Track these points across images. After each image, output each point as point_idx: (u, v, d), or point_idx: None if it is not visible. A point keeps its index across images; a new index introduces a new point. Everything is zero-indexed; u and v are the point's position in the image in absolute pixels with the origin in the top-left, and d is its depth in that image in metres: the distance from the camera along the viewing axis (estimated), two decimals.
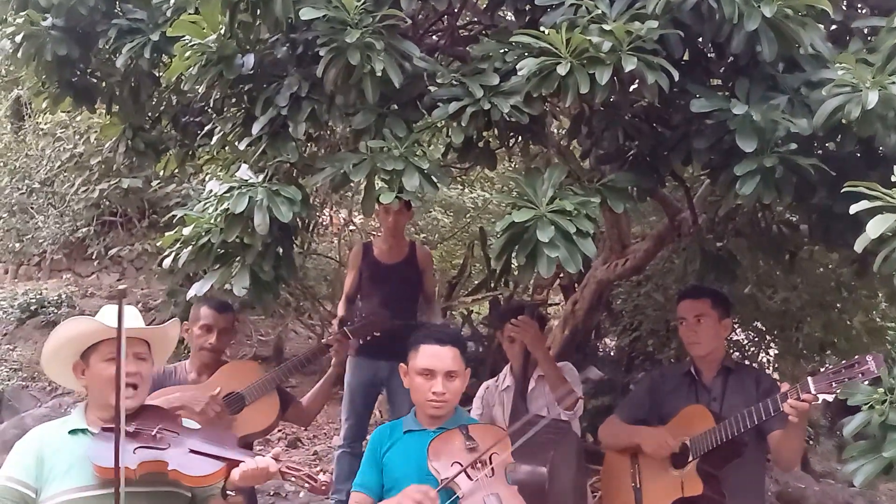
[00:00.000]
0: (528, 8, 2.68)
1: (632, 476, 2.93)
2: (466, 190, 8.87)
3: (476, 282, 7.60)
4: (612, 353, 7.09)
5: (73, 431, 2.13)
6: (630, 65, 2.25)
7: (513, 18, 2.89)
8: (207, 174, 5.44)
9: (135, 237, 9.03)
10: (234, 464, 2.07)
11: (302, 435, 6.17)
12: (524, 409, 3.21)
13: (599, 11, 2.40)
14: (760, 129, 2.37)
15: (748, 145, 2.36)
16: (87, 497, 2.02)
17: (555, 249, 2.34)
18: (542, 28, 2.41)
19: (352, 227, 8.97)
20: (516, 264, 2.46)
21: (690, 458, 2.75)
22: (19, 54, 3.56)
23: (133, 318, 2.16)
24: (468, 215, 8.84)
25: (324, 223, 8.79)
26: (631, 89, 2.58)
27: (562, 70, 2.31)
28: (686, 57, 2.64)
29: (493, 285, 6.89)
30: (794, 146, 2.37)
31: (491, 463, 2.35)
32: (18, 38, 3.50)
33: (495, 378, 3.63)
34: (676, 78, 2.33)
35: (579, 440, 3.23)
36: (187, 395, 3.01)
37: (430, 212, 8.86)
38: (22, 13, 3.53)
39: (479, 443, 2.38)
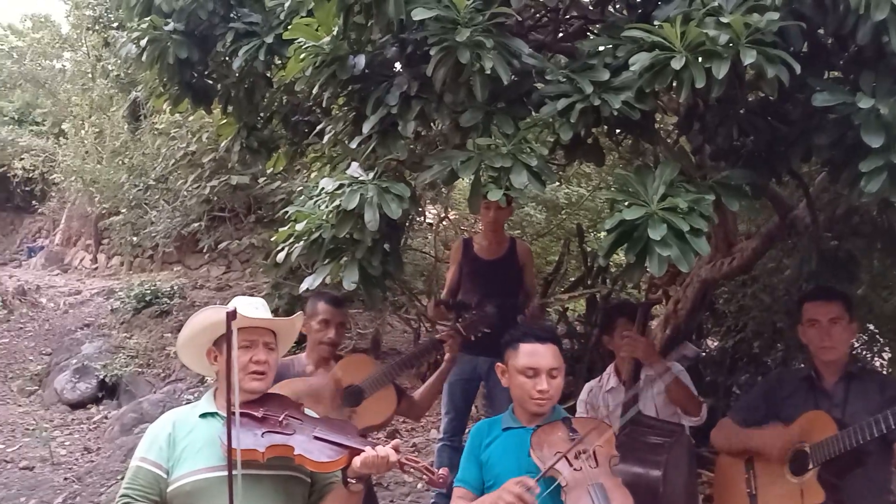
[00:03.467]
0: (639, 1, 2.62)
1: (747, 482, 2.82)
2: (561, 185, 8.77)
3: (572, 279, 7.53)
4: (714, 354, 6.89)
5: (203, 415, 2.24)
6: (749, 58, 2.18)
7: (622, 13, 2.83)
8: (313, 172, 5.60)
9: (241, 231, 9.39)
10: (355, 452, 2.12)
11: (400, 427, 6.27)
12: (635, 410, 3.15)
13: (716, 4, 2.33)
14: (888, 124, 2.25)
15: (875, 140, 2.24)
16: (218, 477, 2.11)
17: (667, 248, 2.29)
18: (654, 22, 2.36)
19: (446, 223, 9.03)
20: (625, 262, 2.42)
21: (811, 466, 2.64)
22: (143, 58, 3.76)
23: (262, 310, 2.28)
24: (563, 211, 8.74)
25: (419, 219, 8.90)
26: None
27: (676, 64, 2.25)
28: (805, 49, 2.53)
29: (590, 282, 6.81)
30: None
31: (595, 455, 2.33)
32: (143, 43, 3.70)
33: (598, 379, 3.59)
34: (798, 71, 2.24)
35: (692, 444, 3.15)
36: (315, 385, 3.10)
37: (523, 207, 8.82)
38: (146, 18, 3.74)
39: (583, 435, 2.37)
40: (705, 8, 2.33)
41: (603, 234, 2.64)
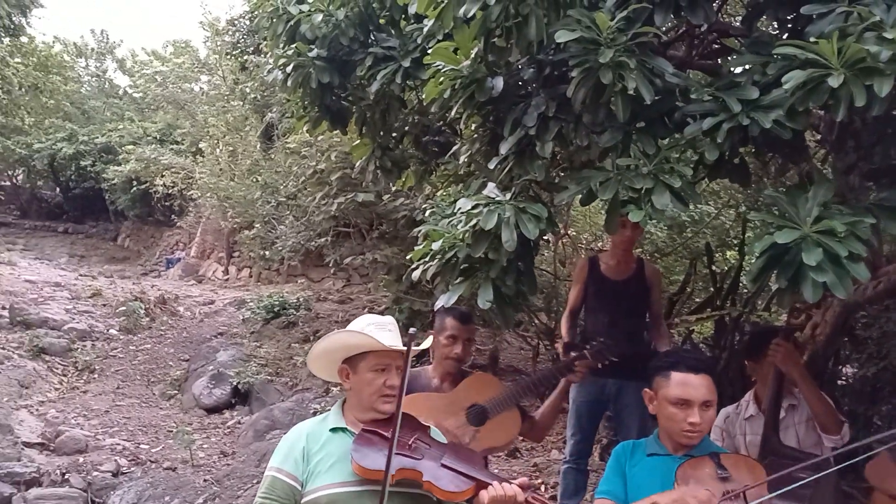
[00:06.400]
0: (790, 17, 2.53)
1: None
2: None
3: (697, 299, 7.28)
4: (853, 383, 6.47)
5: (333, 429, 2.29)
6: None
7: (771, 29, 2.74)
8: (439, 190, 5.71)
9: (364, 247, 9.67)
10: (482, 485, 2.11)
11: (520, 445, 6.25)
12: (775, 440, 3.01)
13: (876, 18, 2.22)
14: None
15: None
16: (348, 492, 2.16)
17: (822, 274, 2.18)
18: (809, 38, 2.27)
19: (565, 240, 8.96)
20: (776, 287, 2.33)
21: None
22: (288, 83, 3.97)
23: (394, 331, 2.32)
24: (688, 230, 8.48)
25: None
26: None
27: (834, 82, 2.16)
28: None
29: (718, 304, 6.56)
30: None
31: (745, 497, 2.23)
32: (288, 69, 3.91)
33: (735, 405, 3.45)
34: None
35: (837, 479, 2.97)
36: (442, 402, 3.14)
37: (646, 226, 8.61)
38: (291, 45, 3.95)
39: (733, 474, 2.27)
40: (864, 23, 2.22)
41: (752, 257, 2.53)
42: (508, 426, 3.21)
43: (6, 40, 14.52)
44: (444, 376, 3.31)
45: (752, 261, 2.53)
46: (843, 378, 6.52)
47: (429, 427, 2.38)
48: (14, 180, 25.97)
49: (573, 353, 3.22)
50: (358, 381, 2.28)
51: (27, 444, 6.96)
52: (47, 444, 7.11)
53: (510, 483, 2.09)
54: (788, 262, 2.27)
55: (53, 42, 23.59)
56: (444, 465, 2.16)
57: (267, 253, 10.70)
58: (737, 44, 3.29)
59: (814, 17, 2.40)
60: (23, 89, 13.54)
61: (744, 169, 2.71)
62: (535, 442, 4.18)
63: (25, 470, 6.19)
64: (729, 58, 2.96)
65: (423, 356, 4.29)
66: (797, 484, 2.26)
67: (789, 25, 2.56)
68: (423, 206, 7.22)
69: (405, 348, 2.27)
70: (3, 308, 10.91)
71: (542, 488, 2.19)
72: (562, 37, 2.48)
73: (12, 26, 14.32)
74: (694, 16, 2.58)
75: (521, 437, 4.50)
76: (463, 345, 3.26)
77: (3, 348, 9.38)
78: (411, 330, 2.13)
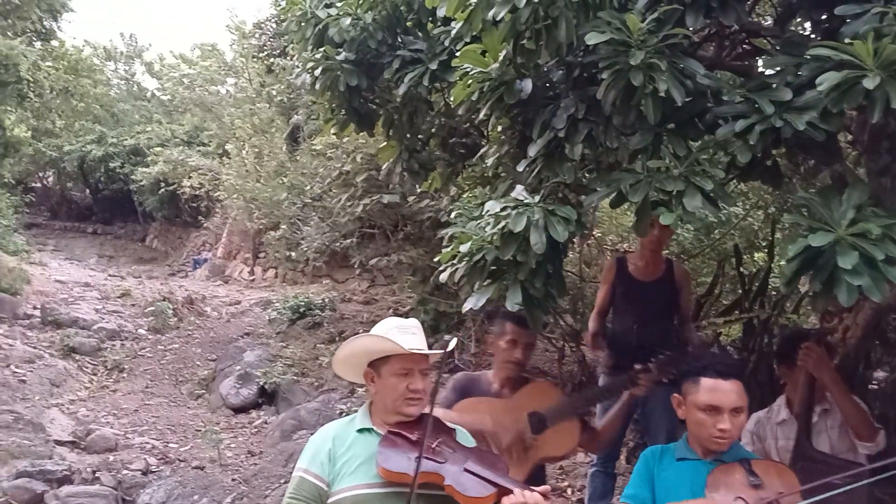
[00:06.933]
0: (824, 18, 2.50)
1: None
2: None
3: (725, 301, 7.20)
4: (884, 387, 6.37)
5: (360, 430, 2.31)
6: None
7: (802, 30, 2.71)
8: (465, 192, 5.71)
9: (388, 248, 9.70)
10: (504, 491, 2.10)
11: None
12: (808, 445, 2.98)
13: None
14: None
15: None
16: (374, 494, 2.17)
17: (857, 277, 2.16)
18: (843, 39, 2.25)
19: (590, 241, 8.92)
20: (810, 291, 2.30)
21: None
22: (317, 86, 4.00)
23: (419, 333, 2.32)
24: (715, 231, 8.40)
25: None
26: None
27: (869, 83, 2.14)
28: None
29: (747, 306, 6.49)
30: None
31: None
32: (317, 72, 3.94)
33: (766, 409, 3.40)
34: None
35: (871, 485, 2.92)
36: (501, 408, 3.12)
37: (677, 228, 8.55)
38: (320, 49, 3.98)
39: (764, 480, 2.25)
40: None
41: (783, 259, 2.50)
42: (567, 436, 3.17)
43: (38, 44, 14.78)
44: (504, 381, 3.27)
45: (782, 263, 2.50)
46: (875, 382, 6.42)
47: (454, 430, 2.38)
48: (45, 182, 26.42)
49: (637, 367, 3.17)
50: (382, 385, 2.30)
51: (59, 443, 7.07)
52: (78, 442, 7.23)
53: (532, 490, 2.09)
54: (823, 266, 2.24)
55: (83, 46, 23.98)
56: (466, 470, 2.16)
57: (292, 254, 10.78)
58: (767, 44, 3.26)
59: (848, 17, 2.37)
60: (54, 93, 13.80)
61: (776, 171, 2.68)
62: (593, 453, 4.14)
63: (57, 468, 6.29)
64: (759, 59, 2.93)
65: (449, 359, 4.28)
66: (832, 493, 2.24)
67: (824, 26, 2.52)
68: (449, 208, 7.23)
69: (428, 352, 2.29)
70: (35, 308, 11.10)
71: (569, 491, 2.17)
72: (592, 39, 2.47)
73: (44, 31, 14.58)
74: (726, 17, 2.56)
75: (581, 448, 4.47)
76: (523, 349, 3.21)
77: (35, 347, 9.55)
78: (446, 337, 2.13)
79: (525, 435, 3.10)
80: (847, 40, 2.24)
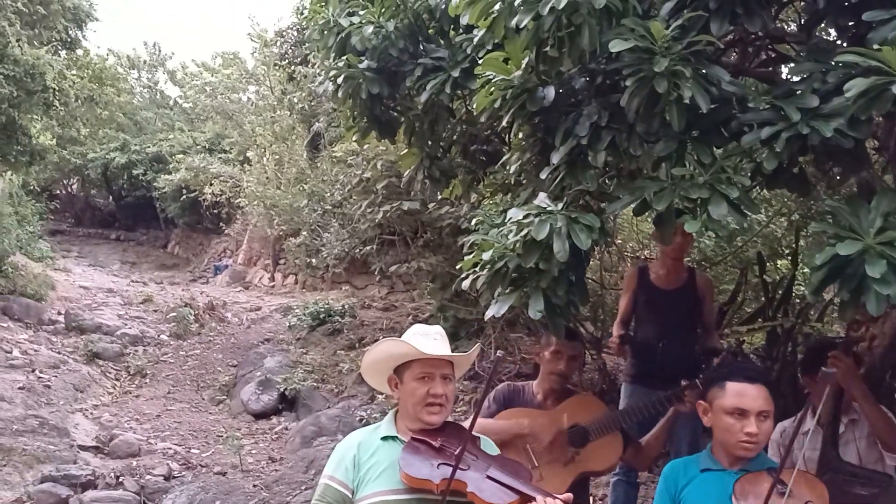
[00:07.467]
0: (850, 24, 2.47)
1: None
2: None
3: (748, 309, 7.13)
4: None
5: (385, 438, 2.32)
6: None
7: (827, 35, 2.68)
8: (485, 199, 5.71)
9: (408, 254, 9.72)
10: (526, 498, 2.10)
11: None
12: (835, 455, 2.94)
13: None
14: None
15: None
16: (398, 499, 2.19)
17: (887, 286, 2.12)
18: (870, 45, 2.22)
19: (610, 249, 8.87)
20: (837, 300, 2.27)
21: None
22: (339, 94, 4.02)
23: (441, 339, 2.33)
24: (738, 238, 8.33)
25: None
26: None
27: None
28: None
29: (770, 314, 6.42)
30: None
31: None
32: (340, 80, 3.96)
33: (792, 419, 3.36)
34: None
35: None
36: (541, 419, 3.10)
37: (701, 236, 8.48)
38: (342, 57, 4.00)
39: (793, 489, 2.22)
40: None
41: (810, 268, 2.48)
42: (609, 450, 3.15)
43: (63, 54, 15.00)
44: (548, 393, 3.25)
45: (807, 271, 2.47)
46: None
47: (479, 438, 2.37)
48: (69, 189, 26.81)
49: (684, 383, 3.14)
50: (404, 391, 2.31)
51: (82, 447, 7.14)
52: (102, 447, 7.29)
53: (555, 497, 2.08)
54: (851, 275, 2.21)
55: (107, 55, 24.30)
56: (489, 477, 2.16)
57: (312, 260, 10.84)
58: (791, 50, 3.23)
59: (875, 23, 2.34)
60: (79, 101, 13.99)
61: (802, 178, 2.65)
62: (639, 469, 4.11)
63: (81, 472, 6.34)
64: (783, 65, 2.90)
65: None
66: None
67: (851, 32, 2.50)
68: (469, 215, 7.23)
69: (446, 356, 2.29)
70: (59, 314, 11.23)
71: (591, 500, 2.15)
72: (616, 46, 2.45)
73: (69, 40, 14.79)
74: (751, 23, 2.54)
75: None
76: (567, 361, 3.20)
77: (60, 353, 9.66)
78: (499, 353, 2.12)
79: (566, 448, 3.07)
80: (875, 46, 2.21)
